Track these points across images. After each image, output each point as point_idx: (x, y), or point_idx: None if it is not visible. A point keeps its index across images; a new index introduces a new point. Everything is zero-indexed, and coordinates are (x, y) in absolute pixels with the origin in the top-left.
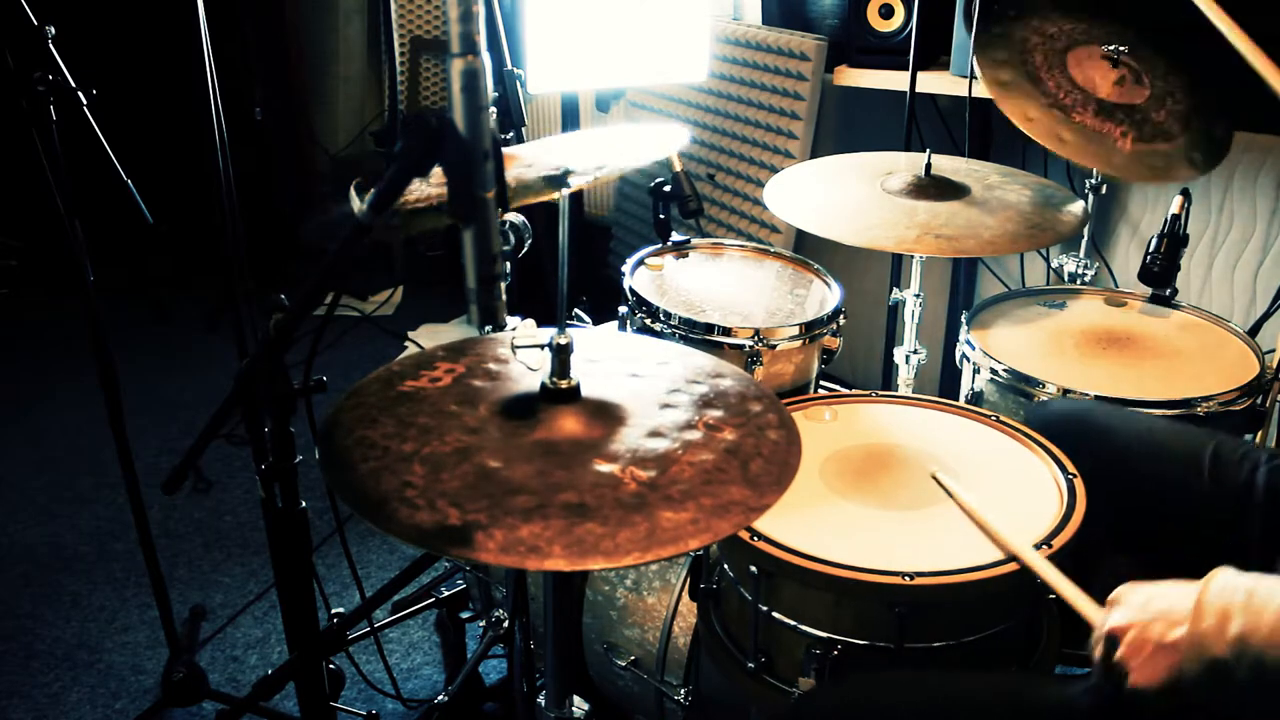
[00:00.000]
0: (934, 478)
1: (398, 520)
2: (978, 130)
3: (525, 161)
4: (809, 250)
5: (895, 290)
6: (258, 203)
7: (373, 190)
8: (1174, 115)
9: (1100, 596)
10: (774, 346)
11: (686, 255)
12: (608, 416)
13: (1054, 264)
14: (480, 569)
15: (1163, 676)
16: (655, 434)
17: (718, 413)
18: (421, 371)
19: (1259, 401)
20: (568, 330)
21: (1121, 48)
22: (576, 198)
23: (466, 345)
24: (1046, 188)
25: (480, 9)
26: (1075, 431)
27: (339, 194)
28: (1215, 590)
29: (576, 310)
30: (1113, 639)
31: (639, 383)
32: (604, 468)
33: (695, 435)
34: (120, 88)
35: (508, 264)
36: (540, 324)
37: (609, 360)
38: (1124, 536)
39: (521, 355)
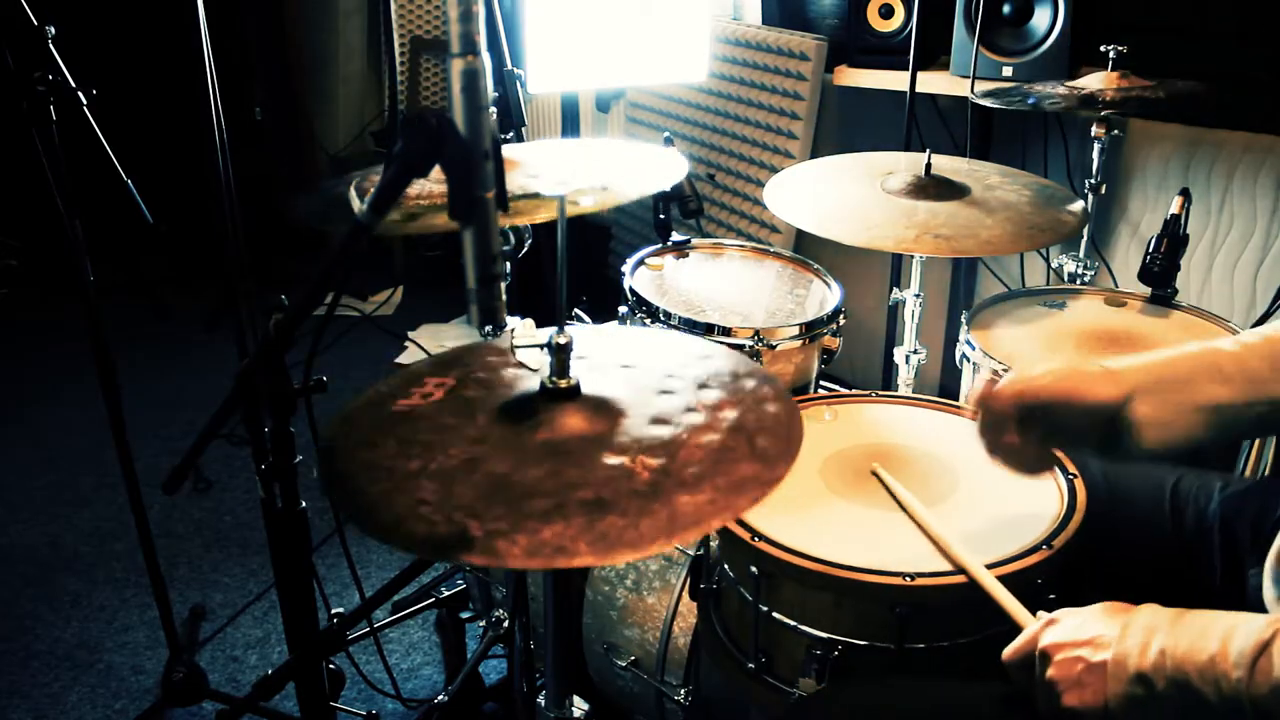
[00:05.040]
0: (874, 473)
1: (417, 538)
2: (978, 130)
3: (529, 172)
4: (809, 250)
5: (895, 290)
6: (258, 203)
7: (372, 190)
8: None
9: (1091, 598)
10: (774, 346)
11: (686, 255)
12: (609, 410)
13: (1054, 264)
14: (480, 569)
15: (1092, 698)
16: (658, 421)
17: (715, 393)
18: (412, 389)
19: None
20: (566, 329)
21: None
22: None
23: (451, 357)
24: (1046, 188)
25: (480, 9)
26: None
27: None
28: (1144, 611)
29: (576, 310)
30: (1045, 657)
31: (633, 373)
32: (614, 460)
33: (698, 417)
34: (120, 88)
35: (508, 264)
36: (540, 324)
37: (599, 354)
38: (1098, 577)
39: (521, 355)
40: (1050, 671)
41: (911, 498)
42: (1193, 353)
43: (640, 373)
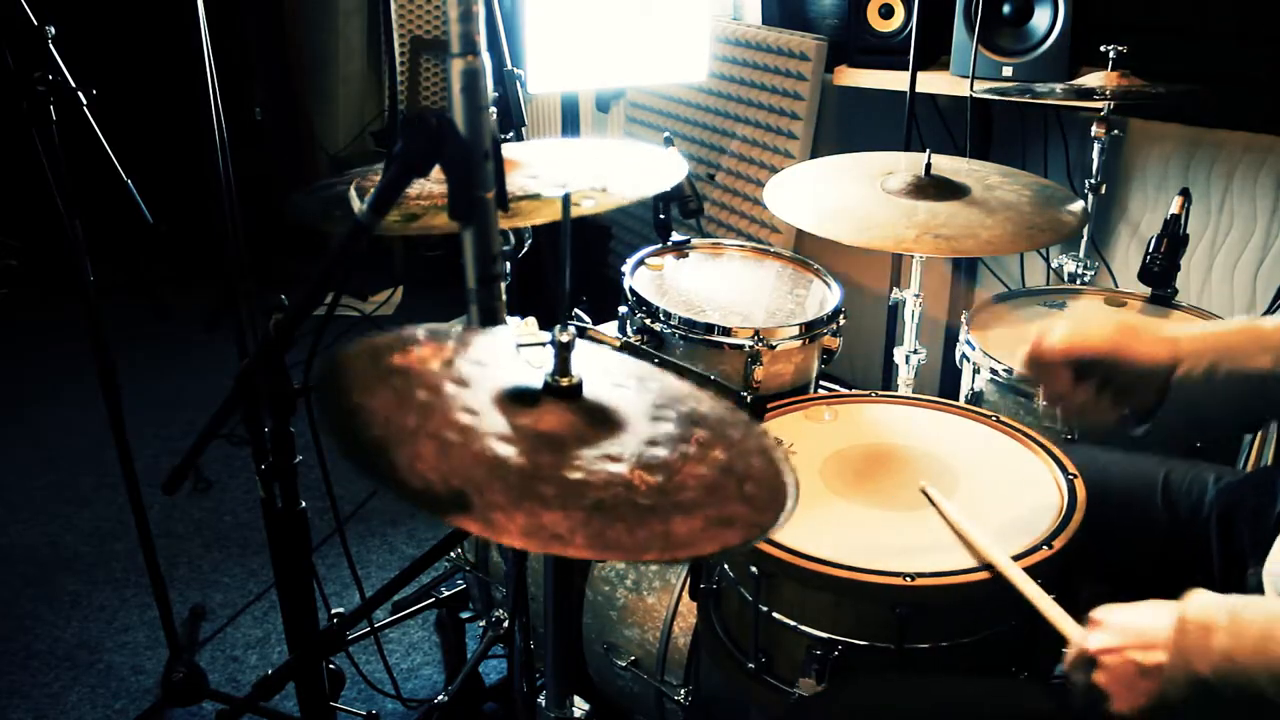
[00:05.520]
0: (923, 492)
1: (414, 489)
2: (978, 130)
3: (529, 172)
4: (809, 250)
5: (895, 290)
6: (258, 203)
7: (372, 190)
8: None
9: (1090, 597)
10: (774, 346)
11: (686, 255)
12: (607, 419)
13: (1054, 264)
14: (480, 569)
15: (1146, 701)
16: (654, 443)
17: (706, 432)
18: (408, 347)
19: None
20: (569, 328)
21: None
22: None
23: (446, 332)
24: (1046, 188)
25: (480, 9)
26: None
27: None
28: (1196, 609)
29: (576, 310)
30: (1092, 662)
31: (626, 394)
32: (613, 467)
33: (690, 449)
34: (120, 88)
35: (507, 264)
36: (540, 324)
37: (591, 373)
38: (1096, 568)
39: (523, 354)
40: (1100, 676)
41: (960, 516)
42: (1239, 326)
43: (634, 395)
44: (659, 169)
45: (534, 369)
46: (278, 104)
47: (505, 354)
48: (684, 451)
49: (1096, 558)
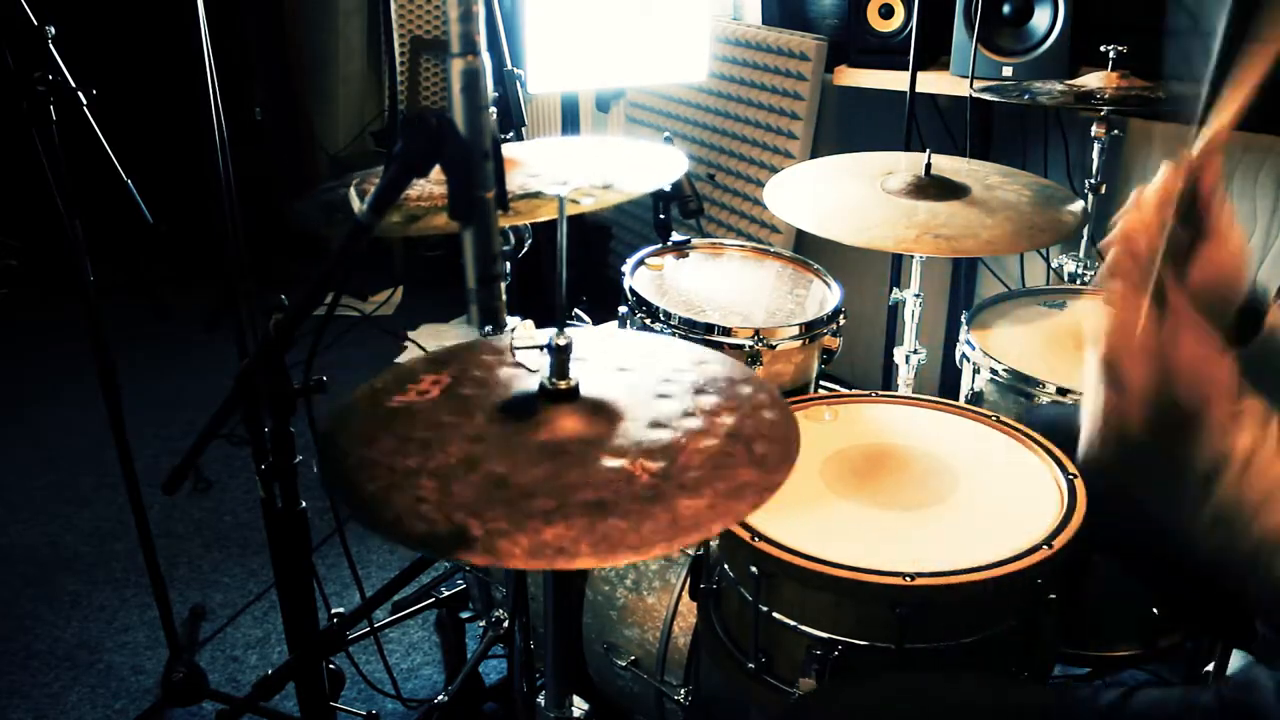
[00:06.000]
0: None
1: (417, 534)
2: (978, 130)
3: (529, 171)
4: (809, 250)
5: (895, 290)
6: (258, 203)
7: (372, 190)
8: None
9: (1090, 597)
10: (774, 346)
11: (686, 255)
12: (607, 413)
13: (1054, 264)
14: (480, 569)
15: (1139, 405)
16: (657, 425)
17: (713, 399)
18: (407, 385)
19: None
20: (566, 330)
21: None
22: None
23: (446, 356)
24: (1046, 188)
25: (480, 9)
26: (1064, 437)
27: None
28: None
29: (576, 310)
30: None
31: (630, 376)
32: (613, 463)
33: (696, 423)
34: (120, 88)
35: (507, 264)
36: (540, 324)
37: (596, 357)
38: (1109, 541)
39: (520, 357)
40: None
41: None
42: None
43: (637, 376)
44: (659, 165)
45: (531, 372)
46: (278, 104)
47: (504, 364)
48: (688, 427)
49: (1107, 529)
